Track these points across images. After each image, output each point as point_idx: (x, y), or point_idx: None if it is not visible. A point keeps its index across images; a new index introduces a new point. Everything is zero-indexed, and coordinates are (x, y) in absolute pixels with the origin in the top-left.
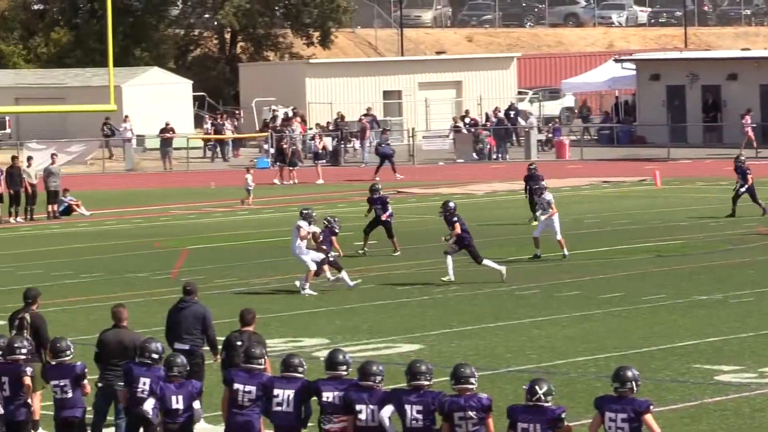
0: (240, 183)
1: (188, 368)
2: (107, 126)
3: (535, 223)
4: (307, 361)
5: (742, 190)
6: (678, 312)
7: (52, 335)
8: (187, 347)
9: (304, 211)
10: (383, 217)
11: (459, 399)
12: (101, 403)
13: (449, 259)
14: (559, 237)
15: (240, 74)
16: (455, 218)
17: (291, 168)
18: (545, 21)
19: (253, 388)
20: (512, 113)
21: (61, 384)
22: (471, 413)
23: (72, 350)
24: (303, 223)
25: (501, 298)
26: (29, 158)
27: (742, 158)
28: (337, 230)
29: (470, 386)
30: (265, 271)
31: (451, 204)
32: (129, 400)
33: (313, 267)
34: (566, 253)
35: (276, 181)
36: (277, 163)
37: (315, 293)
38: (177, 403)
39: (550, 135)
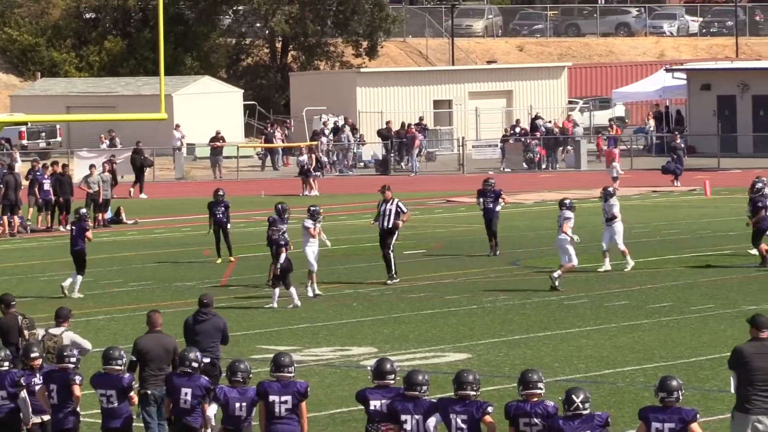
0: (289, 191)
1: (250, 375)
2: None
3: None
4: (355, 370)
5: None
6: (726, 322)
7: (102, 344)
8: (207, 360)
9: (312, 209)
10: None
11: (525, 405)
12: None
13: None
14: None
15: (291, 83)
16: None
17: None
18: (596, 30)
19: (288, 398)
20: (539, 122)
21: (108, 394)
22: (536, 420)
23: (124, 361)
24: (309, 222)
25: (550, 308)
26: (92, 167)
27: (492, 181)
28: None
29: (537, 392)
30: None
31: None
32: (173, 411)
33: (315, 267)
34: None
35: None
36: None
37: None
38: (240, 410)
39: (605, 147)
